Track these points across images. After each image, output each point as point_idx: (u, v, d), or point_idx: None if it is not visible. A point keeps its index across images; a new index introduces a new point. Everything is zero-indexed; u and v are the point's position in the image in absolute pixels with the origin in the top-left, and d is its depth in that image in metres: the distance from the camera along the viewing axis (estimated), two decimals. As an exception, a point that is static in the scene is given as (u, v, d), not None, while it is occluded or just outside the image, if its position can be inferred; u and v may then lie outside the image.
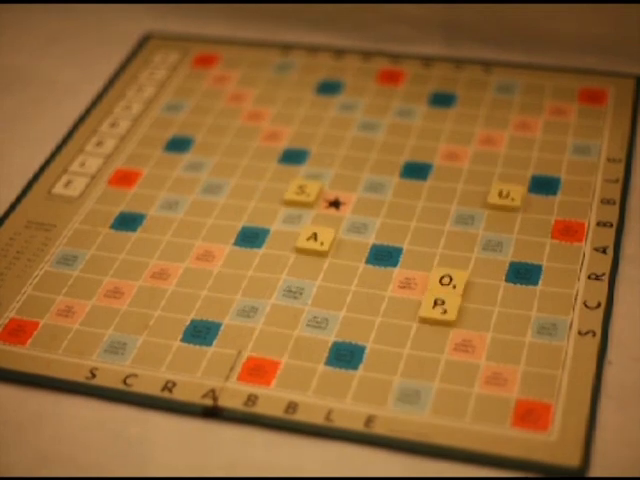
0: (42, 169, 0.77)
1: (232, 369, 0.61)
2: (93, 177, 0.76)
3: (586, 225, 0.68)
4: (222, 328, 0.64)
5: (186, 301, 0.66)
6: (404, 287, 0.65)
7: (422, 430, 0.58)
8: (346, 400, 0.59)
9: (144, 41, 0.89)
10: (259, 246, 0.69)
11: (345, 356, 0.62)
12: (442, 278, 0.65)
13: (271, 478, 0.57)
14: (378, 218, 0.70)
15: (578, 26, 0.83)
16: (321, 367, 0.61)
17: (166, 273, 0.68)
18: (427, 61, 0.84)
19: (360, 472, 0.56)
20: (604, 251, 0.67)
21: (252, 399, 0.60)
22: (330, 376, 0.61)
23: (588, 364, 0.60)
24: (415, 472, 0.56)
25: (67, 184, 0.75)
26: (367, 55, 0.85)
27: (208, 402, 0.60)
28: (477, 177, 0.73)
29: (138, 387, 0.61)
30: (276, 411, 0.59)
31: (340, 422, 0.58)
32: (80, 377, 0.62)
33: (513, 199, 0.70)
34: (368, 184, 0.73)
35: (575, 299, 0.64)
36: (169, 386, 0.61)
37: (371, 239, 0.69)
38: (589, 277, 0.65)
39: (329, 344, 0.62)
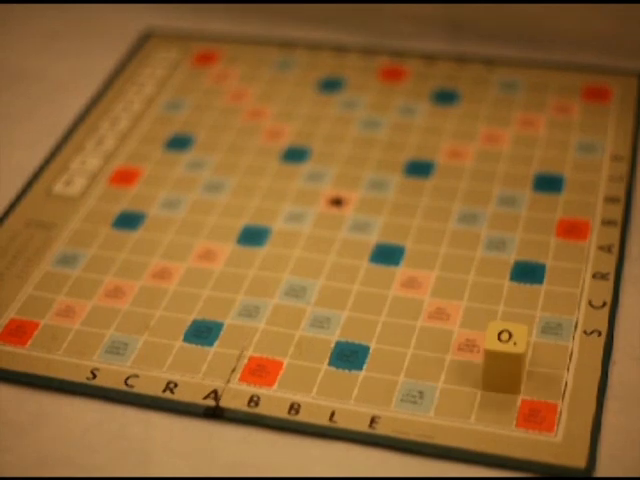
0: (42, 168, 0.76)
1: (234, 369, 0.61)
2: (94, 176, 0.75)
3: (591, 223, 0.68)
4: (224, 328, 0.63)
5: (188, 301, 0.65)
6: (407, 286, 0.65)
7: (426, 431, 0.57)
8: (350, 401, 0.59)
9: (144, 39, 0.89)
10: (261, 245, 0.69)
11: (349, 356, 0.61)
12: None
13: (274, 479, 0.56)
14: (381, 216, 0.70)
15: (581, 23, 0.82)
16: (324, 367, 0.61)
17: (167, 272, 0.67)
18: (430, 59, 0.84)
19: (364, 473, 0.56)
20: (609, 250, 0.66)
21: (255, 400, 0.59)
22: (333, 376, 0.60)
23: (594, 364, 0.60)
24: (419, 473, 0.56)
25: (67, 183, 0.75)
26: (369, 52, 0.85)
27: (210, 403, 0.59)
28: (480, 175, 0.72)
29: (139, 388, 0.61)
30: (279, 412, 0.59)
31: (344, 423, 0.58)
32: (81, 378, 0.61)
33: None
34: (370, 182, 0.73)
35: (580, 298, 0.63)
36: (171, 387, 0.60)
37: (374, 238, 0.68)
38: (594, 276, 0.64)
39: (332, 344, 0.62)
